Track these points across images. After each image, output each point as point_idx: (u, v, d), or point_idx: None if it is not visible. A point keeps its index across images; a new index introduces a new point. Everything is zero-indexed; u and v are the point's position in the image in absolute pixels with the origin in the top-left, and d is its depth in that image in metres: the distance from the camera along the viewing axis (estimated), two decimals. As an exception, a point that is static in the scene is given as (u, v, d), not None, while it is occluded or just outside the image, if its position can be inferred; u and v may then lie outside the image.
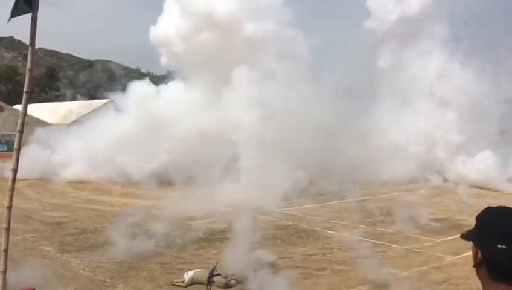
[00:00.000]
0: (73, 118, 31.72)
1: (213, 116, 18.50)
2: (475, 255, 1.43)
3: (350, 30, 24.49)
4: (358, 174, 17.42)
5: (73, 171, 19.67)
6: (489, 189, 17.76)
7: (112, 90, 24.85)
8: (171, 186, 16.54)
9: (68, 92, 46.95)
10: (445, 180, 19.66)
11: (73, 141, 20.96)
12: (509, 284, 1.36)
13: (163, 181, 17.14)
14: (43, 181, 18.85)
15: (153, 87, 22.99)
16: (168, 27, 22.07)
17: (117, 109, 22.44)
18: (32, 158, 17.48)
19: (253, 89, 17.43)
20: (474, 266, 1.44)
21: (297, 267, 8.70)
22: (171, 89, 22.42)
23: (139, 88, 22.31)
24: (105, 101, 30.96)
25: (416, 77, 22.77)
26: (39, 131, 21.15)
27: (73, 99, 43.15)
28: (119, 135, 19.44)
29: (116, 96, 23.49)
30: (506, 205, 1.47)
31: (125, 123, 20.20)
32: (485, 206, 1.52)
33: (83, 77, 49.19)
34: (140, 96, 21.30)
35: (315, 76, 19.64)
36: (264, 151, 15.87)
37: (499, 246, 1.35)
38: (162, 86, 23.42)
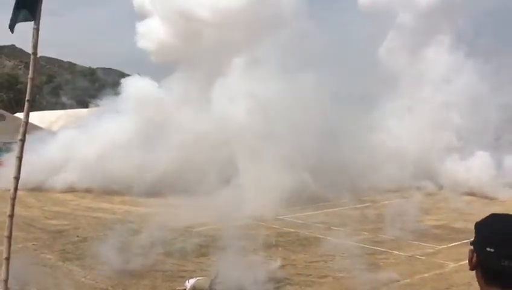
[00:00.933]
0: (61, 125, 30.62)
1: (209, 116, 17.94)
2: (470, 259, 1.50)
3: (351, 28, 23.81)
4: (353, 179, 17.20)
5: (65, 178, 18.67)
6: (485, 196, 17.52)
7: (107, 96, 23.90)
8: (169, 194, 16.17)
9: (64, 100, 46.79)
10: (441, 186, 19.20)
11: (63, 147, 19.75)
12: (502, 287, 1.41)
13: (161, 189, 16.71)
14: (32, 190, 17.58)
15: (148, 82, 21.70)
16: (157, 32, 21.53)
17: (111, 112, 21.12)
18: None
19: (249, 85, 17.00)
20: (470, 269, 1.51)
21: (299, 274, 8.69)
22: (166, 90, 21.32)
23: (133, 85, 21.23)
24: (98, 107, 29.48)
25: (417, 78, 22.40)
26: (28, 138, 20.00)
27: (71, 106, 43.00)
28: (113, 139, 18.61)
29: (110, 100, 22.31)
30: (505, 212, 1.51)
31: (120, 126, 19.30)
32: (482, 213, 1.57)
33: (80, 84, 49.15)
34: (134, 95, 20.37)
35: (314, 75, 18.76)
36: (261, 153, 15.63)
37: (488, 249, 1.40)
38: (159, 82, 22.12)
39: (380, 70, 22.86)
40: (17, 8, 4.73)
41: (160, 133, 18.76)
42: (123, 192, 17.29)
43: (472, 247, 1.49)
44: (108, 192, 17.63)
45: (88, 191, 18.31)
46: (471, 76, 21.48)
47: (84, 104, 42.62)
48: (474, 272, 1.49)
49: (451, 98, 21.27)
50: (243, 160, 16.31)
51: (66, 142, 20.27)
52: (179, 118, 19.09)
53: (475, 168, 18.63)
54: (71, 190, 18.63)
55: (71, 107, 43.02)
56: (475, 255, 1.47)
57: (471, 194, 17.74)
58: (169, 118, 19.23)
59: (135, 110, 19.76)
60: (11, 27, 4.78)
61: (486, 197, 17.36)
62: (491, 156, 19.04)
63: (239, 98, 17.40)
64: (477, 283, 1.48)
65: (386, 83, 22.67)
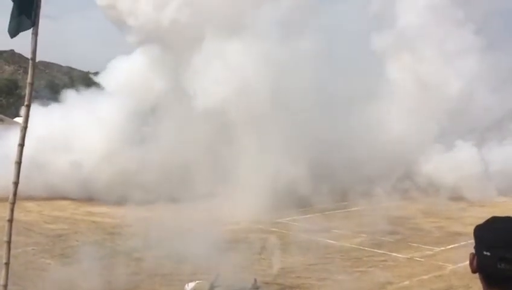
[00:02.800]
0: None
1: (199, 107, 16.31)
2: (470, 262, 1.49)
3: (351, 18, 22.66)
4: (347, 179, 16.90)
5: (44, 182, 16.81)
6: (474, 200, 17.17)
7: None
8: (166, 197, 15.79)
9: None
10: (435, 188, 18.56)
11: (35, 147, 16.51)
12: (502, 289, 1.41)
13: (157, 193, 15.88)
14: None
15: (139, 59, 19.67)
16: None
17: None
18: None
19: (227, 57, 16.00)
20: (472, 272, 1.50)
21: (298, 277, 8.70)
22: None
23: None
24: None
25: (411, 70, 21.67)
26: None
27: None
28: (101, 137, 17.37)
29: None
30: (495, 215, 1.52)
31: (106, 120, 17.96)
32: (478, 215, 1.58)
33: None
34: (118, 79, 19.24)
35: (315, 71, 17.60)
36: (255, 148, 15.29)
37: (484, 253, 1.41)
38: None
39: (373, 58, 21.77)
40: (18, 13, 4.72)
41: (150, 131, 17.98)
42: (120, 196, 16.45)
43: (474, 250, 1.50)
44: (103, 196, 16.91)
45: (74, 198, 17.21)
46: (471, 69, 20.83)
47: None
48: (475, 273, 1.50)
49: (445, 91, 20.73)
50: (236, 156, 15.83)
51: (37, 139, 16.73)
52: (165, 109, 18.05)
53: (465, 168, 18.08)
54: (57, 196, 17.26)
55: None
56: (476, 258, 1.46)
57: (460, 197, 17.54)
58: (155, 109, 18.36)
59: (118, 103, 18.40)
60: (12, 34, 4.77)
61: (474, 202, 17.06)
62: (481, 159, 18.72)
63: (225, 80, 16.05)
64: (476, 285, 1.49)
65: (379, 73, 21.77)
